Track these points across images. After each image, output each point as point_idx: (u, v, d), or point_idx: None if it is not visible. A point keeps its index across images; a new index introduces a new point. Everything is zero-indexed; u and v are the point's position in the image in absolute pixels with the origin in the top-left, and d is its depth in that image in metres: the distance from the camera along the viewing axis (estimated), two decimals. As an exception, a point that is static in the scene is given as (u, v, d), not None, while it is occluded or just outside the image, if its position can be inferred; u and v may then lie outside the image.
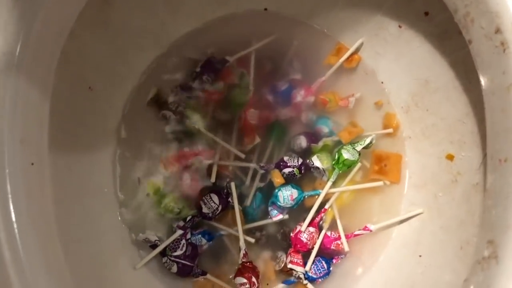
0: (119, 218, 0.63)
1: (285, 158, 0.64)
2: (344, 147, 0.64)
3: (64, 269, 0.43)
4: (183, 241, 0.62)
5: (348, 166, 0.64)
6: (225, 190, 0.65)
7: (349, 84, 0.68)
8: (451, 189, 0.59)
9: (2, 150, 0.39)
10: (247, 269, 0.61)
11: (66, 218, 0.48)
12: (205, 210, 0.63)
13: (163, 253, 0.62)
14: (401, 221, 0.64)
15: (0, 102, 0.40)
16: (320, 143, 0.65)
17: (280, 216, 0.64)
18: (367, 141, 0.64)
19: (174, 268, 0.61)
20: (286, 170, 0.63)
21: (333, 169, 0.64)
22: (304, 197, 0.64)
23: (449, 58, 0.58)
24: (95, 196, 0.60)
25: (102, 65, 0.61)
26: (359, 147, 0.64)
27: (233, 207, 0.64)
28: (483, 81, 0.47)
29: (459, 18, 0.48)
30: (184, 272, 0.61)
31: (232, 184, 0.64)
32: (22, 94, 0.41)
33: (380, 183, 0.64)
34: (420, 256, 0.59)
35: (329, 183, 0.63)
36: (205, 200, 0.63)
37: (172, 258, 0.61)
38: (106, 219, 0.61)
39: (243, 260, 0.61)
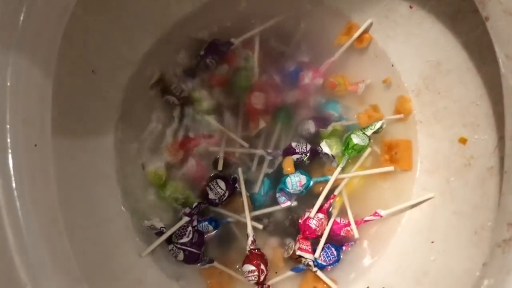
0: (122, 205, 0.61)
1: (293, 144, 0.62)
2: (354, 131, 0.63)
3: (69, 254, 0.42)
4: (190, 228, 0.60)
5: (358, 151, 0.62)
6: (232, 177, 0.63)
7: (359, 66, 0.67)
8: (464, 173, 0.57)
9: (4, 129, 0.38)
10: (256, 256, 0.59)
11: (69, 203, 0.47)
12: (211, 196, 0.61)
13: (169, 241, 0.60)
14: (412, 207, 0.62)
15: (2, 78, 0.39)
16: (329, 128, 0.64)
17: (288, 203, 0.63)
18: (377, 125, 0.63)
19: (181, 256, 0.59)
20: (295, 157, 0.62)
21: (343, 154, 0.62)
22: (313, 183, 0.62)
23: (462, 39, 0.57)
24: (98, 181, 0.58)
25: (105, 48, 0.59)
26: (369, 132, 0.62)
27: (240, 194, 0.63)
28: (501, 58, 0.45)
29: (475, -6, 0.47)
30: (191, 260, 0.60)
31: (239, 170, 0.62)
32: (24, 71, 0.40)
33: (390, 168, 0.63)
34: (432, 242, 0.58)
35: (338, 169, 0.62)
36: (212, 186, 0.62)
37: (179, 246, 0.59)
38: (110, 205, 0.59)
39: (251, 247, 0.60)
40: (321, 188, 0.63)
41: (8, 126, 0.38)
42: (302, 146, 0.62)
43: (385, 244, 0.63)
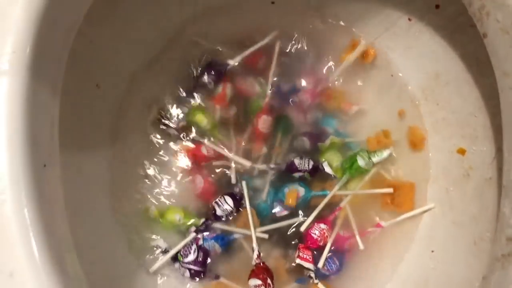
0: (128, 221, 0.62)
1: (296, 162, 0.63)
2: (361, 153, 0.64)
3: (80, 274, 0.42)
4: (194, 246, 0.61)
5: (360, 173, 0.63)
6: (240, 193, 0.64)
7: (359, 75, 0.67)
8: (463, 183, 0.58)
9: (15, 153, 0.38)
10: (262, 270, 0.60)
11: (77, 221, 0.48)
12: (219, 212, 0.62)
13: (175, 259, 0.62)
14: (413, 217, 0.63)
15: (12, 104, 0.39)
16: (327, 141, 0.64)
17: (285, 212, 0.63)
18: (385, 154, 0.64)
19: (187, 274, 0.61)
20: (297, 175, 0.63)
21: (344, 170, 0.63)
22: (311, 196, 0.63)
23: (460, 51, 0.58)
24: (105, 197, 0.59)
25: (109, 62, 0.60)
26: (375, 159, 0.63)
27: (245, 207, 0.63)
28: (498, 75, 0.46)
29: (473, 11, 0.48)
30: (197, 277, 0.61)
31: (244, 184, 0.63)
32: (33, 94, 0.40)
33: (390, 190, 0.63)
34: (432, 251, 0.59)
35: (337, 187, 0.63)
36: (219, 203, 0.62)
37: (185, 265, 0.60)
38: (116, 221, 0.60)
39: (257, 261, 0.61)
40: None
41: (18, 150, 0.38)
42: (304, 164, 0.63)
43: (386, 253, 0.64)
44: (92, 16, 0.52)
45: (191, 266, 0.60)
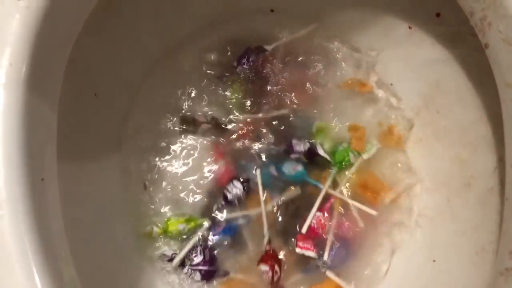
0: (130, 229, 0.62)
1: (293, 142, 0.64)
2: (351, 149, 0.65)
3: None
4: (199, 248, 0.62)
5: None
6: (246, 178, 0.65)
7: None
8: (464, 193, 0.58)
9: (12, 168, 0.38)
10: (270, 257, 0.61)
11: (75, 233, 0.47)
12: (230, 197, 0.63)
13: (182, 264, 0.62)
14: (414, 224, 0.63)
15: (8, 117, 0.39)
16: (313, 128, 0.66)
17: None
18: (373, 151, 0.65)
19: (198, 276, 0.61)
20: (293, 156, 0.64)
21: (335, 164, 0.65)
22: (306, 178, 0.64)
23: (461, 60, 0.57)
24: (103, 206, 0.59)
25: (107, 70, 0.60)
26: (365, 156, 0.65)
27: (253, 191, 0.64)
28: (500, 86, 0.46)
29: (475, 21, 0.47)
30: (208, 277, 0.61)
31: (258, 171, 0.64)
32: (30, 108, 0.40)
33: (374, 212, 0.63)
34: (434, 261, 0.58)
35: (328, 182, 0.64)
36: (229, 189, 0.63)
37: (194, 268, 0.61)
38: (117, 229, 0.60)
39: (267, 248, 0.61)
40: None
41: (15, 165, 0.38)
42: (301, 146, 0.64)
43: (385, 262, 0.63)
44: (90, 26, 0.51)
45: (201, 267, 0.61)
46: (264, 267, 0.60)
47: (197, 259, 0.61)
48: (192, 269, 0.61)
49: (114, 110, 0.63)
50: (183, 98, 0.66)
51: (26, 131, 0.39)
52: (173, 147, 0.65)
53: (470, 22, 0.48)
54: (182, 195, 0.64)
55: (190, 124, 0.66)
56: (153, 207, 0.63)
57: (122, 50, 0.61)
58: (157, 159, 0.65)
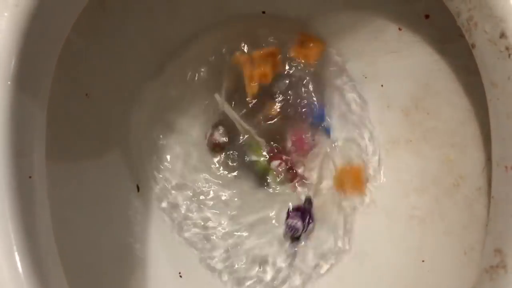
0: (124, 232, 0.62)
1: None
2: None
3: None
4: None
5: None
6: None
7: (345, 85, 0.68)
8: (453, 193, 0.58)
9: (-1, 165, 0.38)
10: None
11: (65, 233, 0.47)
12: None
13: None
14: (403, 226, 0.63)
15: (-4, 113, 0.39)
16: None
17: None
18: None
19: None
20: None
21: None
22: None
23: (450, 61, 0.58)
24: (95, 207, 0.59)
25: (99, 71, 0.60)
26: None
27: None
28: (486, 85, 0.46)
29: (462, 22, 0.48)
30: None
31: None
32: (18, 106, 0.40)
33: None
34: (423, 261, 0.59)
35: None
36: None
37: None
38: (109, 233, 0.60)
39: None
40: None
41: (1, 162, 0.38)
42: None
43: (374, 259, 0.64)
44: (81, 25, 0.52)
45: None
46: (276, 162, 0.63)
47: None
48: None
49: (107, 111, 0.63)
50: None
51: (13, 129, 0.39)
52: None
53: (457, 22, 0.49)
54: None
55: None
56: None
57: (114, 52, 0.61)
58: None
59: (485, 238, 0.48)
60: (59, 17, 0.45)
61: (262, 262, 0.64)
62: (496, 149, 0.46)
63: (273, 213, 0.66)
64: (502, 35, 0.42)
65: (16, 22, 0.40)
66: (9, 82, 0.40)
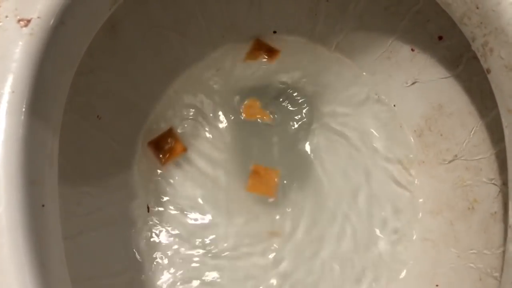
0: (135, 255, 0.61)
1: None
2: None
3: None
4: None
5: None
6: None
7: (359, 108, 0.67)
8: (467, 216, 0.57)
9: (12, 195, 0.38)
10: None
11: (77, 257, 0.47)
12: None
13: None
14: (417, 249, 0.62)
15: (9, 144, 0.39)
16: None
17: None
18: None
19: None
20: None
21: None
22: None
23: (463, 83, 0.57)
24: (107, 229, 0.58)
25: (111, 93, 0.60)
26: None
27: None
28: (503, 112, 0.45)
29: (477, 47, 0.47)
30: None
31: None
32: (32, 135, 0.40)
33: None
34: (437, 286, 0.58)
35: None
36: None
37: None
38: (120, 255, 0.59)
39: None
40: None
41: (15, 192, 0.38)
42: None
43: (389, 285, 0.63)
44: (92, 50, 0.52)
45: None
46: None
47: None
48: None
49: (118, 133, 0.63)
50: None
51: (27, 158, 0.39)
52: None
53: (472, 47, 0.48)
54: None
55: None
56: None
57: (124, 75, 0.61)
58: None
59: (501, 265, 0.48)
60: (72, 44, 0.45)
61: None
62: (512, 175, 0.45)
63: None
64: (519, 62, 0.42)
65: (30, 51, 0.40)
66: (23, 109, 0.40)
